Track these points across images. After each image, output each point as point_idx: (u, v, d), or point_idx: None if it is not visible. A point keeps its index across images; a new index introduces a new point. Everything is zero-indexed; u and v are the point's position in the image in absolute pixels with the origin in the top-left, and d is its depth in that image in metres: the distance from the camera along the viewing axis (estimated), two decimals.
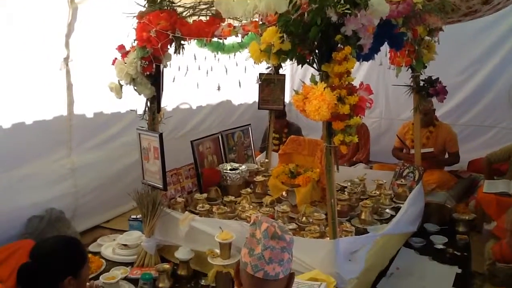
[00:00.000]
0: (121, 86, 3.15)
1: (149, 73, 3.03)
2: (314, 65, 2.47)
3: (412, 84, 3.96)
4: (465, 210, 4.20)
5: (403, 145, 4.86)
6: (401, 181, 3.97)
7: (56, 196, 3.67)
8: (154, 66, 3.00)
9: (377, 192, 3.79)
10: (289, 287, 1.57)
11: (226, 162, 4.21)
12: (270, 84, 4.52)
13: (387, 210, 3.71)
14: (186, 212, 3.32)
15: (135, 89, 3.14)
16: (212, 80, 3.04)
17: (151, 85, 3.12)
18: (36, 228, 3.44)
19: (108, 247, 3.54)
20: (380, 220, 3.56)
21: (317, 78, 2.44)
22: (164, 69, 3.15)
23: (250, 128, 4.66)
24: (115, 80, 3.15)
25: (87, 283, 1.96)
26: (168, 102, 3.49)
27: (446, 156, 4.79)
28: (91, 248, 3.60)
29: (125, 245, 3.46)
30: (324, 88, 2.27)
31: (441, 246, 3.69)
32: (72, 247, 1.88)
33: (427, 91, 3.90)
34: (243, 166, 4.06)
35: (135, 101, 3.30)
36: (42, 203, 3.56)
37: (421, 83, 3.93)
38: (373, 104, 2.50)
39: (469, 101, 5.58)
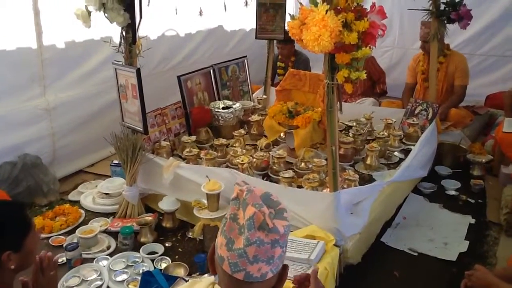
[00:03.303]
0: (89, 13, 2.69)
1: None
2: None
3: (431, 8, 3.43)
4: (481, 151, 3.83)
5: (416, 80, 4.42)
6: (413, 120, 3.56)
7: (31, 140, 3.35)
8: None
9: (385, 133, 3.40)
10: (282, 282, 1.19)
11: (219, 99, 3.80)
12: (269, 10, 4.01)
13: (396, 153, 3.34)
14: (171, 158, 2.98)
15: (106, 16, 2.69)
16: (194, 3, 2.56)
17: (124, 11, 2.67)
18: (9, 175, 3.14)
19: (88, 195, 3.25)
20: (388, 164, 3.20)
21: None
22: None
23: (246, 61, 4.19)
24: (82, 6, 2.68)
25: (38, 255, 1.64)
26: (151, 29, 3.05)
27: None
28: (70, 196, 3.32)
29: (107, 193, 3.16)
30: (327, 11, 1.81)
31: (453, 192, 3.35)
32: (9, 214, 1.54)
33: (448, 15, 3.38)
34: (237, 104, 3.66)
35: (110, 30, 2.87)
36: (14, 148, 3.24)
37: (442, 7, 3.40)
38: (386, 31, 2.04)
39: (491, 29, 5.06)
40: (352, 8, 1.95)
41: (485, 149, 3.87)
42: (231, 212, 1.14)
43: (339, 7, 1.94)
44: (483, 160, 3.64)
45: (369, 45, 1.96)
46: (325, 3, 1.90)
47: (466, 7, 3.42)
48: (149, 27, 3.33)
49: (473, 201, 3.26)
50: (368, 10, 1.97)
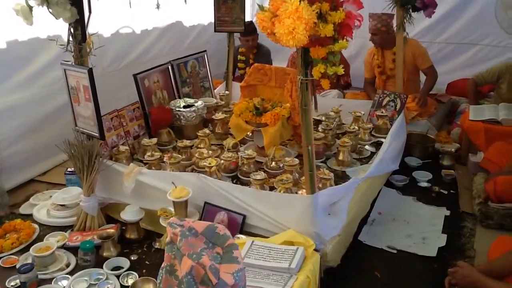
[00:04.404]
0: (30, 8, 2.40)
1: None
2: None
3: None
4: (448, 139, 3.83)
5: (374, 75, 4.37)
6: (382, 112, 3.49)
7: None
8: None
9: (355, 127, 3.30)
10: None
11: (180, 97, 3.59)
12: (227, 1, 3.82)
13: (367, 147, 3.25)
14: (131, 164, 2.75)
15: (50, 12, 2.41)
16: None
17: (71, 5, 2.40)
18: None
19: (41, 208, 2.97)
20: (360, 159, 3.11)
21: None
22: None
23: (206, 55, 3.98)
24: (22, 1, 2.39)
25: None
26: (102, 25, 2.79)
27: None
28: (22, 209, 3.02)
29: (62, 205, 2.90)
30: (300, 1, 1.65)
31: (425, 184, 3.30)
32: None
33: (413, 4, 3.31)
34: (199, 102, 3.46)
35: (58, 27, 2.60)
36: None
37: None
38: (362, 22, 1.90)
39: (450, 16, 5.08)
40: None
41: (451, 137, 3.87)
42: (167, 263, 0.93)
43: None
44: (452, 150, 3.62)
45: (346, 37, 1.82)
46: None
47: None
48: (100, 23, 3.06)
49: (446, 192, 3.23)
50: None
